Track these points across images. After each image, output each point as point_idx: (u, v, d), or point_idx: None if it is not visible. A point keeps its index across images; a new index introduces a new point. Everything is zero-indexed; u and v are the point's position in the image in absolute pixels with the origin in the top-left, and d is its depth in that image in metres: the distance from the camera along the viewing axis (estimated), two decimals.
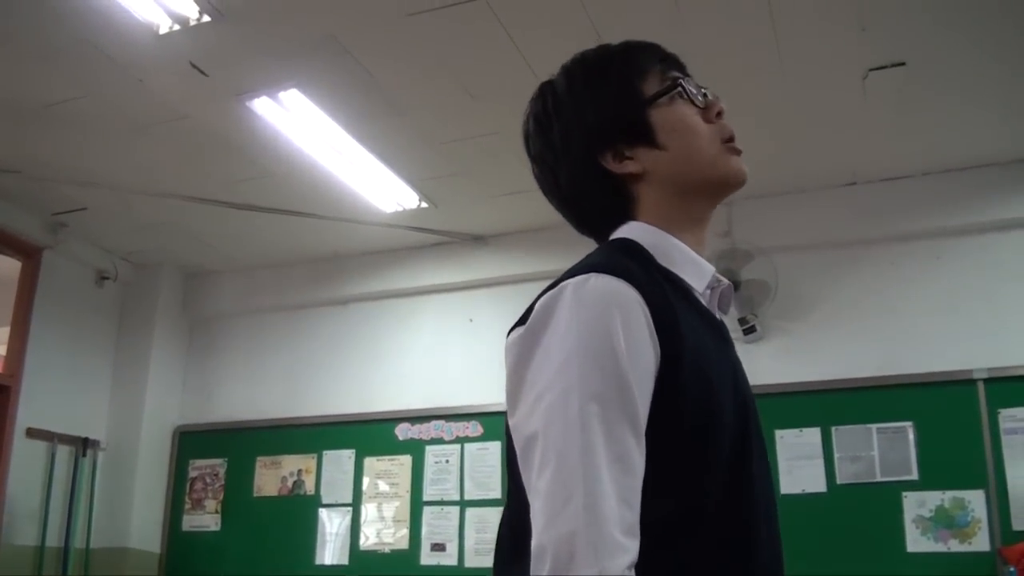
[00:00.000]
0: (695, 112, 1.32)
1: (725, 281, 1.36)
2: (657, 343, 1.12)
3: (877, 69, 4.18)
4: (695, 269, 1.29)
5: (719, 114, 1.33)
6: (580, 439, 1.05)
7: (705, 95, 1.35)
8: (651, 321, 1.12)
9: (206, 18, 3.80)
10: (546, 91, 1.43)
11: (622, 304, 1.11)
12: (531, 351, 1.14)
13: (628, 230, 1.31)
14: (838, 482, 4.87)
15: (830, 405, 4.97)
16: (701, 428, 1.14)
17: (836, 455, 4.89)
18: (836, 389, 4.98)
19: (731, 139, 1.32)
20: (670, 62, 1.38)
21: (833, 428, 4.93)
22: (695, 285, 1.28)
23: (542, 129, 1.41)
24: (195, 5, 3.75)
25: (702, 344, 1.18)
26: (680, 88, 1.33)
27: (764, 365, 4.99)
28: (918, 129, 4.72)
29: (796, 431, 4.94)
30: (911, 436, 4.82)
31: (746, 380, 1.30)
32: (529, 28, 3.91)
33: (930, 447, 4.79)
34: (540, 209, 5.39)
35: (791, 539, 1.34)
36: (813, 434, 4.94)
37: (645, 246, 1.27)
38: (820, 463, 4.89)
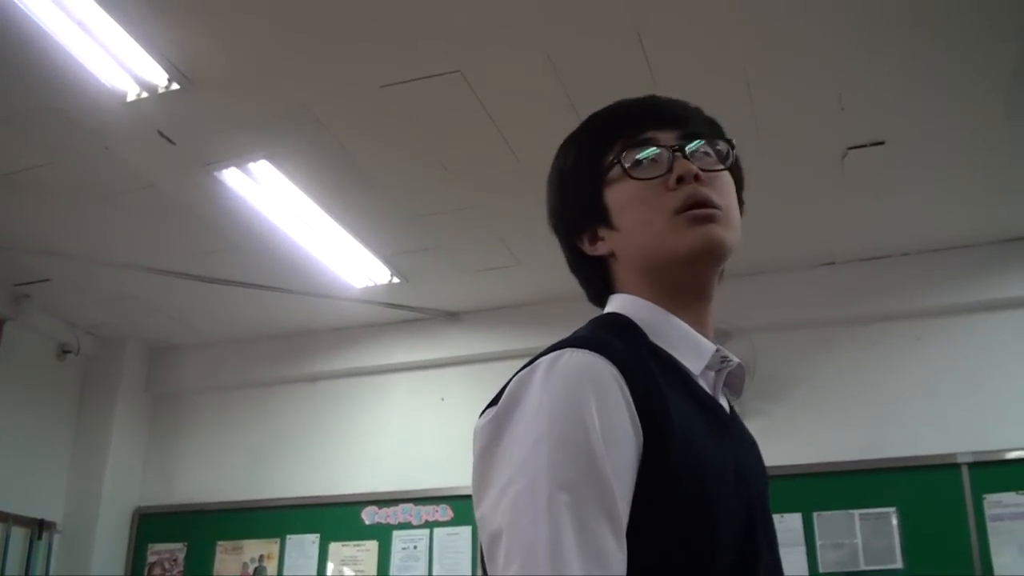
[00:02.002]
0: (655, 183, 1.18)
1: (734, 361, 1.23)
2: (639, 425, 1.00)
3: (856, 148, 4.16)
4: (692, 348, 1.17)
5: (680, 179, 1.17)
6: (548, 534, 0.91)
7: (677, 155, 1.20)
8: (631, 401, 1.01)
9: (175, 86, 3.73)
10: (555, 157, 1.34)
11: (597, 382, 1.01)
12: (499, 437, 1.02)
13: (619, 303, 1.22)
14: (820, 571, 4.72)
15: (811, 490, 4.83)
16: (691, 524, 1.02)
17: (818, 542, 4.75)
18: (817, 473, 4.86)
19: (690, 206, 1.16)
20: (637, 124, 1.24)
21: (815, 514, 4.80)
22: (691, 366, 1.16)
23: (547, 198, 1.34)
24: (164, 73, 3.68)
25: (694, 431, 1.06)
26: (618, 163, 1.21)
27: None
28: (897, 209, 4.69)
29: (777, 517, 4.70)
30: (895, 522, 4.71)
31: (756, 473, 1.19)
32: (505, 101, 3.86)
33: (915, 534, 4.67)
34: (515, 286, 5.35)
35: None
36: (794, 520, 4.80)
37: (637, 322, 1.17)
38: (802, 550, 4.74)
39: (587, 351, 1.04)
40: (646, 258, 1.20)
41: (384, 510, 5.62)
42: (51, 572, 5.80)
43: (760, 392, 5.06)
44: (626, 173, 1.20)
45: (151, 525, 6.15)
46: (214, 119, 3.98)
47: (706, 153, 1.22)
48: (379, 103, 3.84)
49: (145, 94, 3.76)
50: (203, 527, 6.00)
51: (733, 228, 1.19)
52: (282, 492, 5.90)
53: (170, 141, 4.10)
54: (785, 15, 3.39)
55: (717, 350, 1.19)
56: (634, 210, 1.19)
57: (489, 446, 1.03)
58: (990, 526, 4.55)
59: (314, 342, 6.14)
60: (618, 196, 1.21)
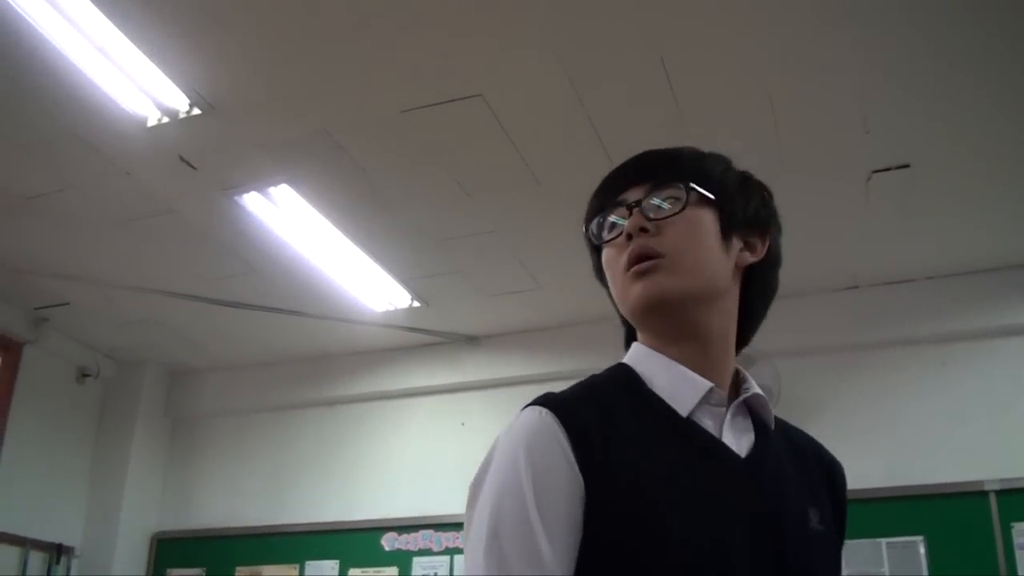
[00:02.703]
0: (618, 242, 1.26)
1: (752, 390, 1.25)
2: (579, 474, 1.08)
3: (880, 171, 4.11)
4: (682, 389, 1.20)
5: (630, 236, 1.23)
6: None
7: (635, 210, 1.24)
8: (571, 452, 1.09)
9: (196, 111, 3.73)
10: None
11: (537, 437, 1.11)
12: (472, 499, 1.14)
13: (629, 352, 1.29)
14: None
15: None
16: (644, 565, 1.06)
17: (845, 572, 4.63)
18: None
19: (632, 262, 1.22)
20: (616, 186, 1.29)
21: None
22: (678, 407, 1.18)
23: None
24: (186, 98, 3.68)
25: (657, 476, 1.11)
26: (584, 231, 1.31)
27: None
28: (922, 232, 4.63)
29: None
30: (922, 551, 4.62)
31: (782, 509, 1.18)
32: (526, 124, 3.84)
33: (942, 563, 4.58)
34: (535, 309, 5.29)
35: None
36: None
37: (637, 369, 1.24)
38: None
39: (538, 408, 1.13)
40: (624, 314, 1.28)
41: (404, 536, 5.57)
42: None
43: (784, 417, 4.97)
44: (596, 243, 1.29)
45: (169, 550, 6.12)
46: (235, 144, 3.98)
47: (673, 198, 1.24)
48: (400, 127, 3.83)
49: (166, 119, 3.77)
50: (222, 552, 5.97)
51: (682, 272, 1.20)
52: (301, 517, 5.86)
53: (191, 166, 4.10)
54: (809, 38, 3.36)
55: (713, 387, 1.20)
56: (608, 273, 1.28)
57: (467, 507, 1.14)
58: (1019, 555, 4.46)
59: (333, 366, 6.12)
60: (603, 261, 1.29)
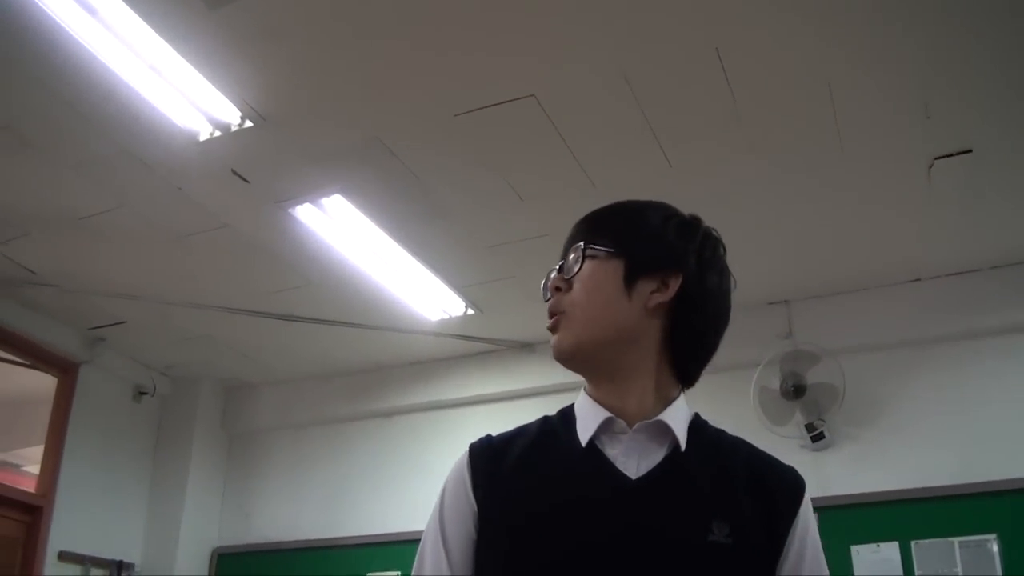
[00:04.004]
0: None
1: (658, 417, 1.33)
2: (474, 504, 1.34)
3: (943, 157, 4.01)
4: (587, 421, 1.36)
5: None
6: None
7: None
8: (469, 483, 1.35)
9: (248, 124, 3.73)
10: None
11: (454, 473, 1.39)
12: None
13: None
14: None
15: (908, 517, 4.63)
16: (514, 566, 1.27)
17: (917, 572, 4.53)
18: (913, 499, 4.66)
19: (549, 318, 1.41)
20: (567, 244, 1.44)
21: (912, 542, 4.59)
22: (583, 437, 1.35)
23: None
24: (237, 111, 3.68)
25: (540, 496, 1.30)
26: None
27: (835, 474, 4.73)
28: (986, 219, 4.51)
29: (873, 546, 4.59)
30: (995, 549, 4.48)
31: (660, 533, 1.26)
32: (580, 125, 3.79)
33: (1016, 561, 4.44)
34: None
35: None
36: (891, 549, 4.60)
37: (576, 406, 1.41)
38: None
39: (468, 447, 1.41)
40: None
41: None
42: None
43: (850, 415, 4.89)
44: (544, 299, 1.44)
45: (230, 565, 6.13)
46: (287, 156, 3.97)
47: (578, 257, 1.38)
48: (453, 131, 3.80)
49: (218, 133, 3.77)
50: (282, 566, 5.96)
51: (577, 325, 1.37)
52: (361, 529, 5.84)
53: (243, 179, 4.10)
54: (868, 25, 3.27)
55: (611, 417, 1.33)
56: None
57: None
58: None
59: (389, 377, 6.11)
60: None
